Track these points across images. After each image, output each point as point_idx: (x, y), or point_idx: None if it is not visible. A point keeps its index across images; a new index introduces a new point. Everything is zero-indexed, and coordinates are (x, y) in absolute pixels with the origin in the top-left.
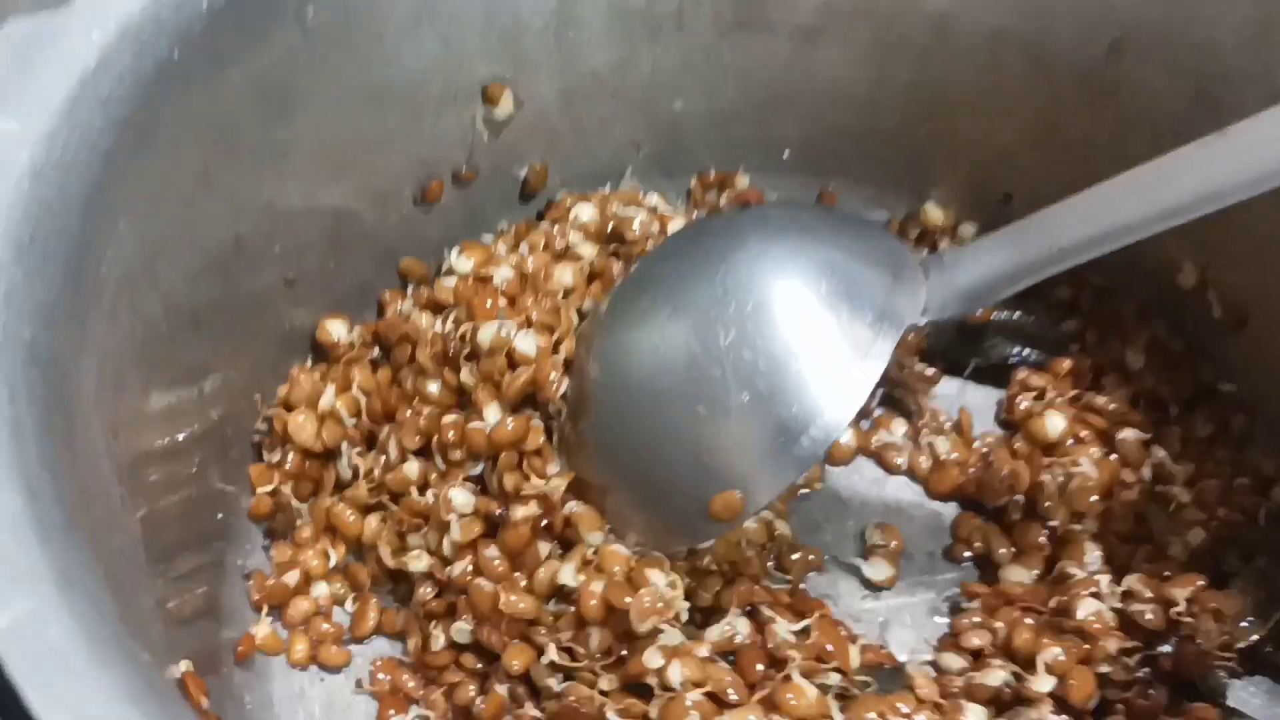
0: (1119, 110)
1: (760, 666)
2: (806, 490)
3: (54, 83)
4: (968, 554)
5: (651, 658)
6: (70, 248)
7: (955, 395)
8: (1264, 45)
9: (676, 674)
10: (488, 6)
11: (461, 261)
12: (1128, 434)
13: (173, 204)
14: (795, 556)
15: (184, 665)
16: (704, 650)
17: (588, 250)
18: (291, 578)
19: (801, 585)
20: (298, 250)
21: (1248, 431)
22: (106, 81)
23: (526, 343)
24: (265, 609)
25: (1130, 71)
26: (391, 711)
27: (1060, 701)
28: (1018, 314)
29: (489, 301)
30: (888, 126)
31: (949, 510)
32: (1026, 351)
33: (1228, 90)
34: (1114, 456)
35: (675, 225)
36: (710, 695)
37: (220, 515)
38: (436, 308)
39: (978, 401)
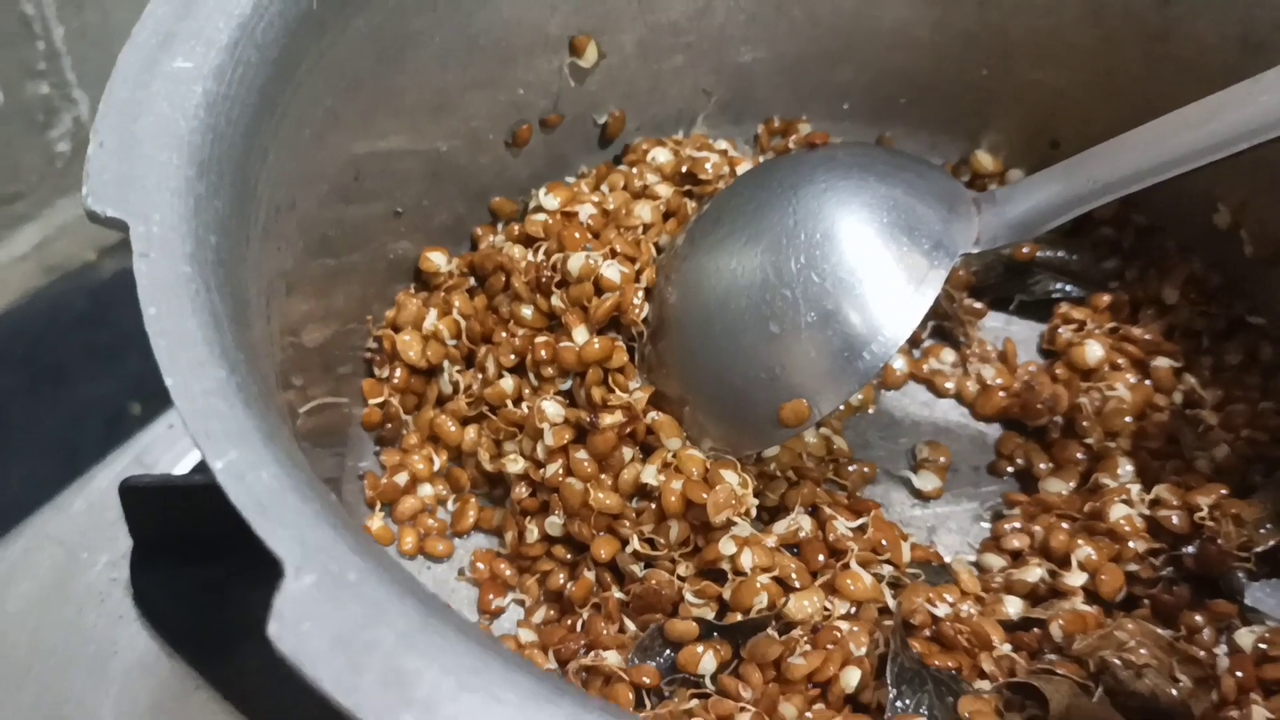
0: (1169, 56)
1: (821, 557)
2: (862, 411)
3: (218, 27)
4: (1010, 469)
5: (725, 546)
6: (235, 170)
7: (1001, 328)
8: None
9: (748, 560)
10: None
11: (549, 199)
12: (1161, 362)
13: (307, 137)
14: (852, 469)
15: None
16: (771, 541)
17: (664, 190)
18: (400, 479)
19: (857, 494)
20: (404, 185)
21: (1275, 360)
22: (260, 26)
23: (612, 271)
24: (378, 505)
25: (1180, 18)
26: (491, 596)
27: (1091, 595)
28: (1061, 253)
29: (577, 235)
30: (946, 73)
31: (993, 430)
32: (1069, 288)
33: (1275, 35)
34: (1148, 382)
35: (743, 168)
36: (777, 580)
37: (337, 424)
38: (527, 241)
39: (1022, 334)
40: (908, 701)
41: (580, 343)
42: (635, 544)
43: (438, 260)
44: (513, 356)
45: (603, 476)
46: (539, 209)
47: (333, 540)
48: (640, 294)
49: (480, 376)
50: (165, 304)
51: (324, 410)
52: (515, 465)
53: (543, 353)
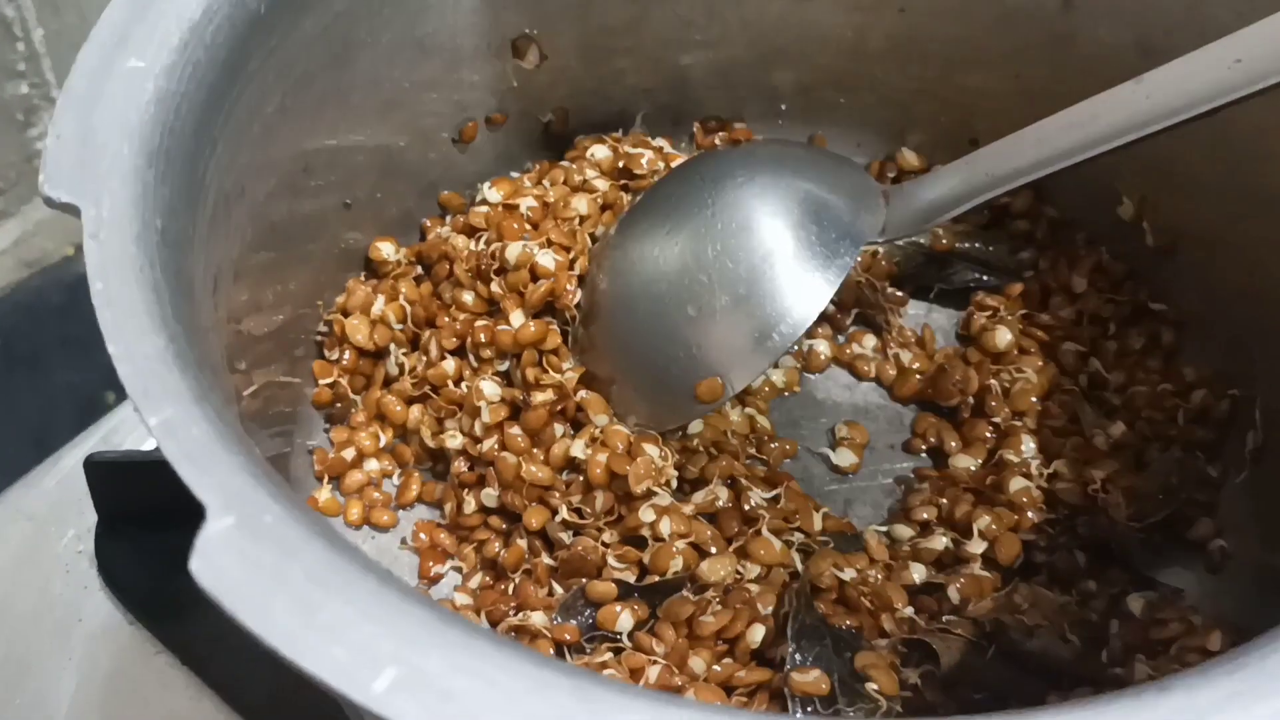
0: (1073, 60)
1: (736, 525)
2: (787, 393)
3: (169, 30)
4: (924, 447)
5: (645, 514)
6: (184, 160)
7: (921, 315)
8: (1194, 5)
9: (666, 527)
10: None
11: (492, 193)
12: (1068, 346)
13: (256, 131)
14: (774, 445)
15: None
16: (689, 509)
17: (601, 184)
18: (348, 454)
19: (777, 469)
20: (354, 178)
21: (1175, 345)
22: (209, 28)
23: (546, 259)
24: (326, 479)
25: (1081, 23)
26: (431, 563)
27: (991, 562)
28: (978, 244)
29: (515, 225)
30: (872, 76)
31: (910, 411)
32: (985, 277)
33: (1166, 39)
34: (1054, 366)
35: (678, 164)
36: (693, 545)
37: (288, 403)
38: (470, 231)
39: (940, 321)
40: (806, 655)
41: (516, 326)
42: (564, 513)
43: (386, 250)
44: (454, 339)
45: (535, 451)
46: (483, 202)
47: (252, 488)
48: (574, 281)
49: (424, 358)
50: (111, 279)
51: (272, 390)
52: (455, 441)
53: (482, 336)
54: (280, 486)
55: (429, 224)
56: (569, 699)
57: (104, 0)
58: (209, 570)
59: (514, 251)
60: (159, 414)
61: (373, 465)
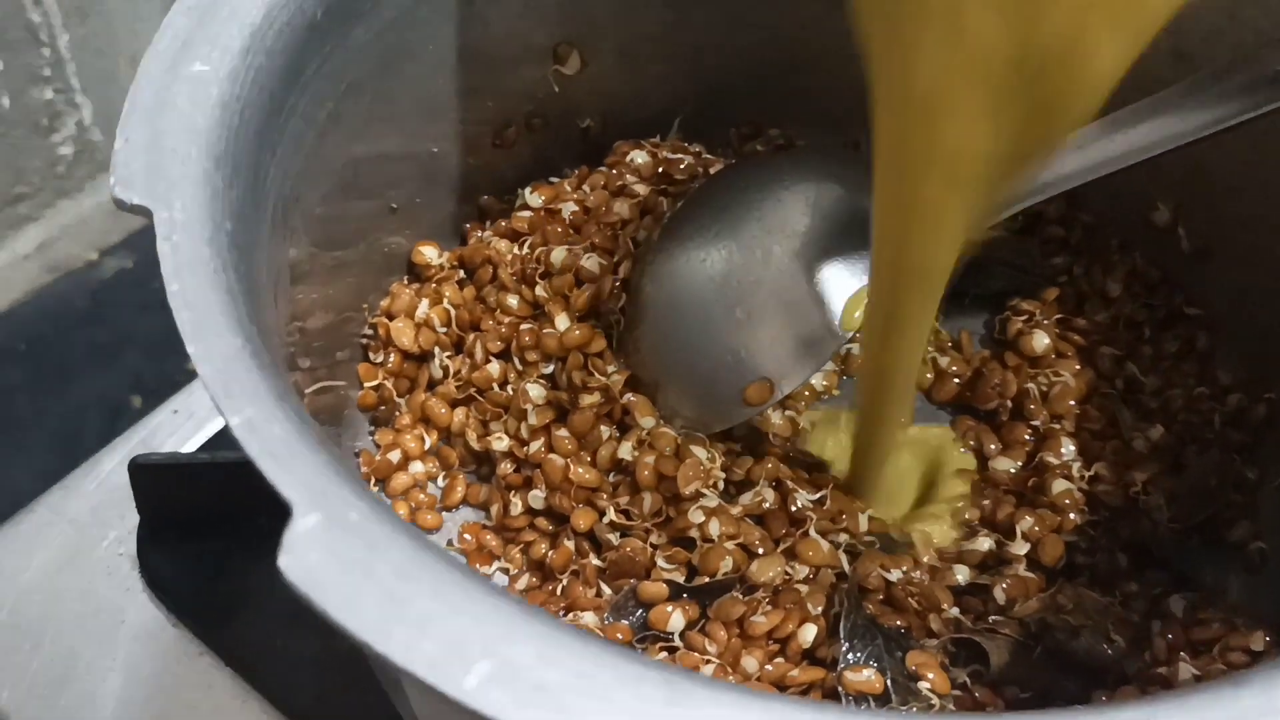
0: None
1: (783, 527)
2: (825, 396)
3: (231, 35)
4: (963, 449)
5: (694, 515)
6: (248, 165)
7: (957, 320)
8: (1234, 3)
9: (715, 528)
10: None
11: (534, 198)
12: (1104, 350)
13: (311, 137)
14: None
15: None
16: (737, 511)
17: (641, 189)
18: (393, 456)
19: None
20: (398, 183)
21: (1210, 349)
22: (270, 35)
23: (591, 263)
24: (372, 481)
25: None
26: (478, 565)
27: (1034, 563)
28: (1014, 250)
29: (559, 230)
30: None
31: (946, 415)
32: (1020, 283)
33: (1203, 47)
34: (1090, 369)
35: (716, 169)
36: (742, 546)
37: (335, 406)
38: (513, 235)
39: (976, 326)
40: (859, 654)
41: (562, 329)
42: (611, 515)
43: (429, 254)
44: (499, 343)
45: (582, 453)
46: (525, 206)
47: (336, 486)
48: (618, 284)
49: (468, 361)
50: (187, 281)
51: (324, 392)
52: (500, 444)
53: (527, 339)
54: (360, 484)
55: (470, 228)
56: (659, 691)
57: (130, 5)
58: (298, 567)
59: (558, 255)
60: (241, 413)
61: (418, 467)
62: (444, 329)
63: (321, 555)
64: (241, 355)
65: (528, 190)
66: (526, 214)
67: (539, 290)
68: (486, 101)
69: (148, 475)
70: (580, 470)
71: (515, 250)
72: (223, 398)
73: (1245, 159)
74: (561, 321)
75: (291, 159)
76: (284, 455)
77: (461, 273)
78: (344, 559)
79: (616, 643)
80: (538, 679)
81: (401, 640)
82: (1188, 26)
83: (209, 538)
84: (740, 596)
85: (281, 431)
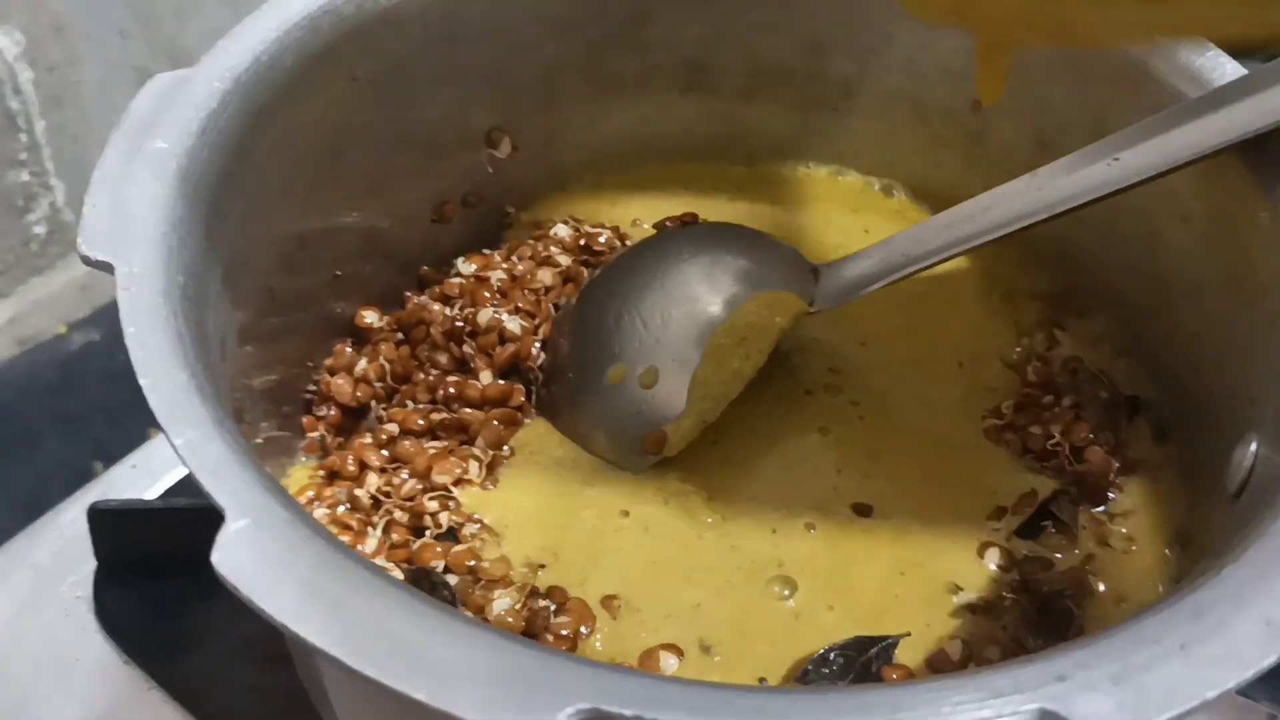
0: (983, 152)
1: None
2: None
3: (189, 117)
4: None
5: None
6: (201, 230)
7: None
8: (1082, 102)
9: None
10: (494, 69)
11: (466, 266)
12: None
13: (260, 208)
14: None
15: None
16: None
17: (564, 260)
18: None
19: None
20: (343, 254)
21: None
22: (224, 116)
23: (513, 324)
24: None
25: (988, 121)
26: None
27: None
28: None
29: (486, 294)
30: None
31: None
32: None
33: (1059, 138)
34: None
35: (631, 242)
36: None
37: (279, 456)
38: (445, 299)
39: None
40: None
41: (484, 383)
42: None
43: (370, 317)
44: (427, 394)
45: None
46: (458, 274)
47: (263, 497)
48: (537, 344)
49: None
50: (142, 324)
51: (270, 443)
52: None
53: (451, 389)
54: (285, 496)
55: (410, 295)
56: (517, 661)
57: (103, 95)
58: (227, 562)
59: (484, 316)
60: (183, 435)
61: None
62: (379, 383)
63: (248, 553)
64: (187, 388)
65: (461, 260)
66: (459, 280)
67: (465, 348)
68: (425, 182)
69: (105, 520)
70: None
71: (447, 311)
72: (168, 422)
73: (1101, 232)
74: (485, 376)
75: (241, 227)
76: (219, 471)
77: (400, 334)
78: (267, 556)
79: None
80: (430, 657)
81: (315, 622)
82: (1047, 118)
83: (161, 580)
84: None
85: (217, 451)
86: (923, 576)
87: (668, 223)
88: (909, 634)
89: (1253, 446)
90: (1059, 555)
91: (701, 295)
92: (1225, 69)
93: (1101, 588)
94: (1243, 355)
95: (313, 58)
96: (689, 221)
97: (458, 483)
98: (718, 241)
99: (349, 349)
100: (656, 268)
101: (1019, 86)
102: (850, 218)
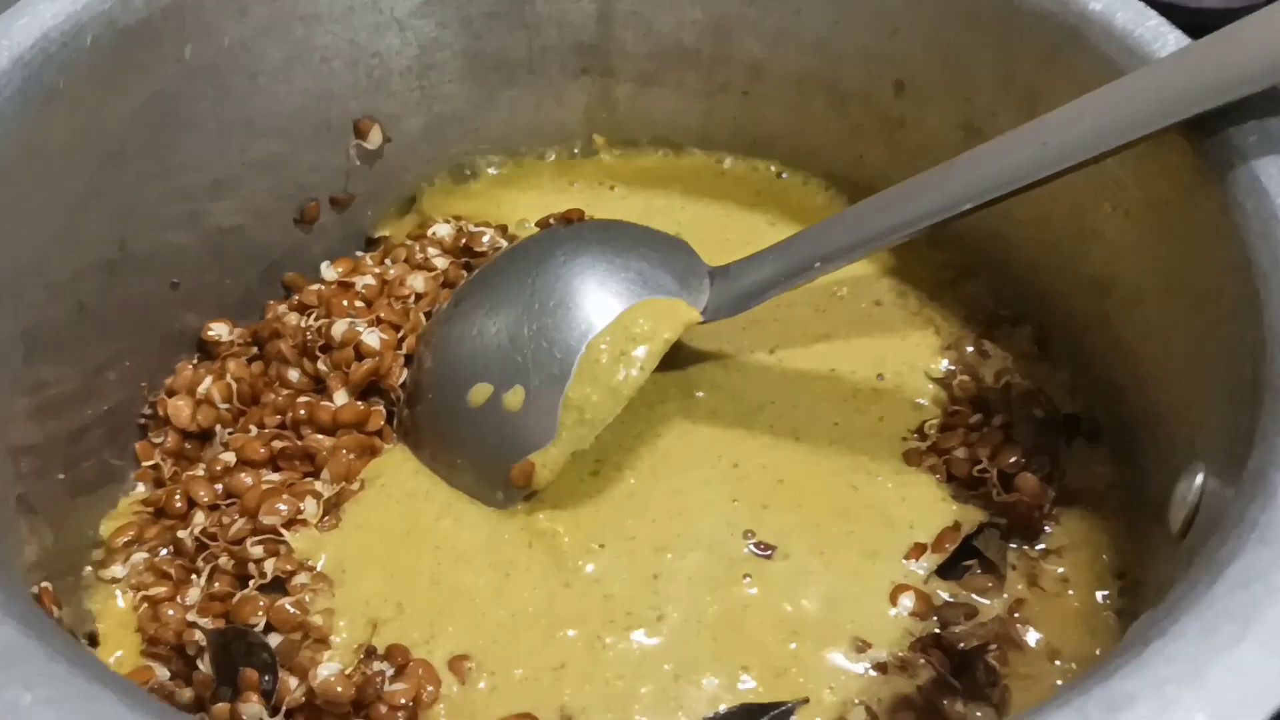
0: (907, 140)
1: None
2: None
3: None
4: None
5: None
6: None
7: None
8: (1011, 83)
9: None
10: (355, 51)
11: (330, 271)
12: None
13: (60, 209)
14: None
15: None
16: None
17: (441, 262)
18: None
19: None
20: (183, 259)
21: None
22: None
23: (372, 337)
24: None
25: (911, 108)
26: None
27: None
28: None
29: (345, 303)
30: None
31: None
32: None
33: (987, 122)
34: None
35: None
36: None
37: (108, 485)
38: (302, 309)
39: None
40: None
41: (338, 405)
42: None
43: (218, 330)
44: (276, 416)
45: None
46: (321, 280)
47: None
48: (400, 360)
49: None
50: None
51: (99, 468)
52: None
53: (302, 411)
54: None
55: (272, 305)
56: None
57: None
58: None
59: (339, 329)
60: None
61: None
62: (225, 404)
63: None
64: None
65: (326, 264)
66: (317, 287)
67: (320, 364)
68: (284, 176)
69: None
70: None
71: (300, 323)
72: None
73: (1032, 231)
74: (340, 397)
75: (31, 230)
76: None
77: (255, 349)
78: None
79: None
80: None
81: None
82: (975, 102)
83: None
84: None
85: None
86: (826, 629)
87: (551, 220)
88: (806, 700)
89: (1198, 479)
90: (984, 599)
91: (576, 303)
92: (1168, 39)
93: (1032, 638)
94: (1188, 370)
95: (124, 37)
96: (574, 219)
97: (290, 524)
98: (601, 241)
99: (192, 367)
100: (527, 273)
101: (942, 67)
102: (757, 213)
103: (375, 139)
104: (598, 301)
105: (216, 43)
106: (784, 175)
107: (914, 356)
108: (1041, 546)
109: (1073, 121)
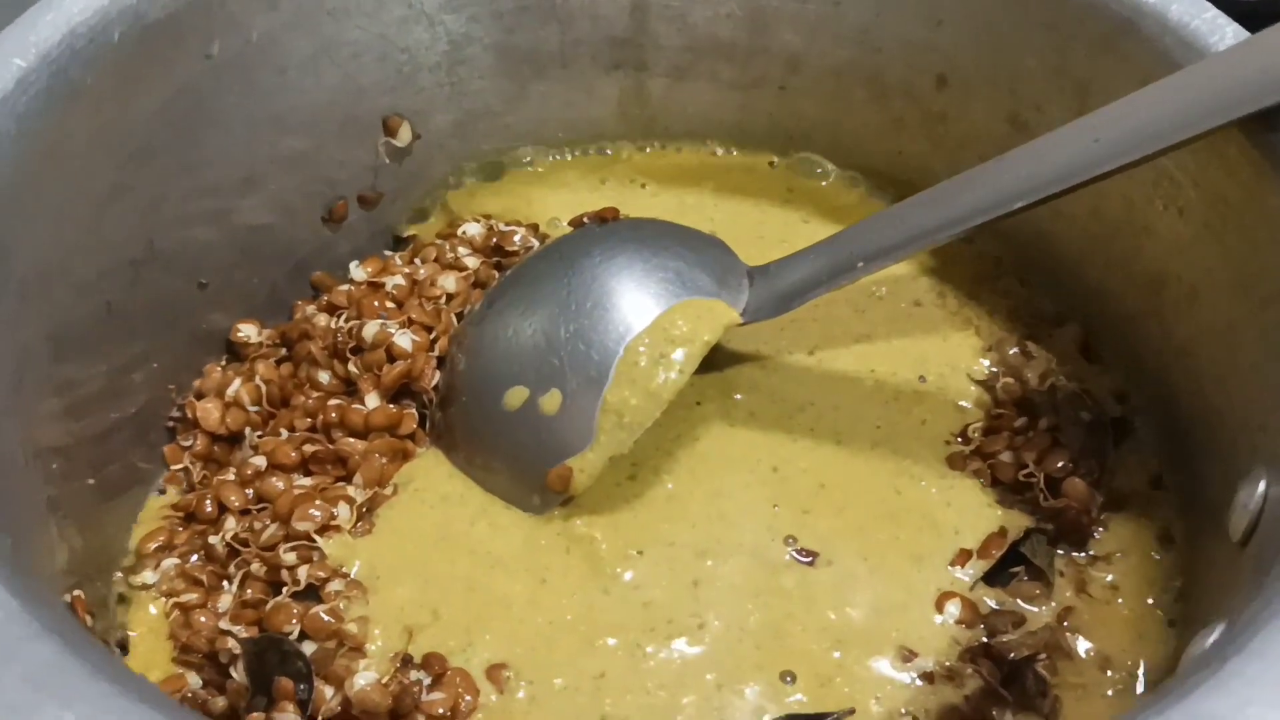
0: (949, 135)
1: None
2: None
3: None
4: None
5: None
6: None
7: None
8: (1061, 75)
9: None
10: (384, 46)
11: (359, 271)
12: None
13: (85, 208)
14: None
15: (76, 591)
16: None
17: (472, 262)
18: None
19: None
20: (210, 257)
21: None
22: (23, 99)
23: (404, 339)
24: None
25: (955, 101)
26: None
27: None
28: None
29: (375, 303)
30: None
31: None
32: None
33: (1034, 116)
34: None
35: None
36: None
37: (136, 488)
38: (332, 309)
39: None
40: None
41: (370, 408)
42: None
43: (247, 331)
44: (306, 419)
45: None
46: (350, 280)
47: None
48: (433, 362)
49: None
50: None
51: (125, 470)
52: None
53: (333, 414)
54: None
55: (300, 304)
56: None
57: None
58: None
59: (370, 330)
60: None
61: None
62: (255, 407)
63: None
64: None
65: (355, 264)
66: (347, 287)
67: (350, 366)
68: (311, 173)
69: None
70: None
71: (331, 324)
72: None
73: (1084, 228)
74: (371, 399)
75: (56, 230)
76: None
77: (284, 350)
78: None
79: None
80: None
81: None
82: (1020, 95)
83: None
84: None
85: None
86: (871, 638)
87: (585, 219)
88: (853, 711)
89: (1261, 485)
90: (1031, 607)
91: (614, 304)
92: (1225, 32)
93: (1082, 647)
94: (1251, 371)
95: (151, 32)
96: (608, 218)
97: (324, 530)
98: (637, 241)
99: (220, 369)
100: (563, 273)
101: (989, 58)
102: (790, 210)
103: (404, 136)
104: (635, 302)
105: (244, 37)
106: (819, 170)
107: (955, 357)
108: (1090, 553)
109: (1127, 116)
